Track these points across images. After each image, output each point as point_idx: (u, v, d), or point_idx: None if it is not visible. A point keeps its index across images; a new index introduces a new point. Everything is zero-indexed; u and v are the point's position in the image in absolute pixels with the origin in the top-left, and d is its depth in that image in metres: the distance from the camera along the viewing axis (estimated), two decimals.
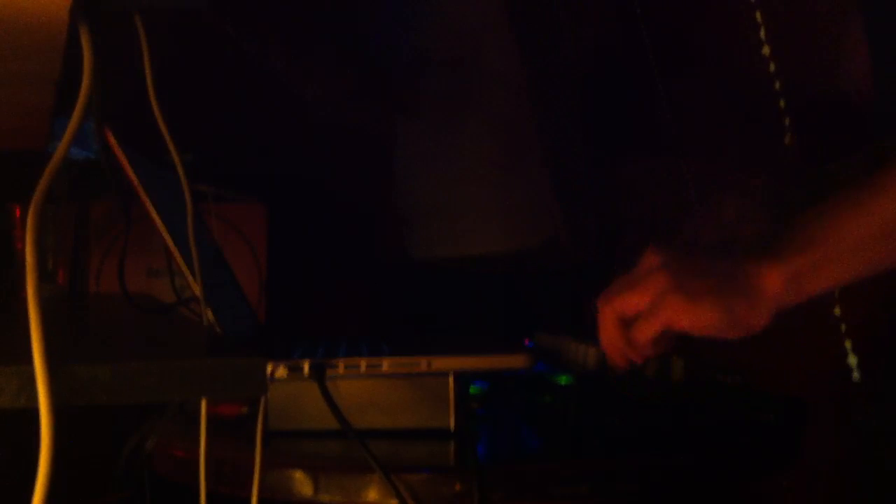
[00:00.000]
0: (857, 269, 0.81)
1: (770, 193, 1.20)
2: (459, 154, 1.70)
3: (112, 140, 0.79)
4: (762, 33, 1.29)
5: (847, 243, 0.80)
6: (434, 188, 1.72)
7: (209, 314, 0.73)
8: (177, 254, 0.80)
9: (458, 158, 1.70)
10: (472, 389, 0.99)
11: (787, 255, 0.81)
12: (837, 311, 1.22)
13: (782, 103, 1.27)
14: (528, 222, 1.75)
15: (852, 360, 1.20)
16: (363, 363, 0.82)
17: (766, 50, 1.29)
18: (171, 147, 0.68)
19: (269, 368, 0.80)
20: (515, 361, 0.86)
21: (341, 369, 0.82)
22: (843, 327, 1.21)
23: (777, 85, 1.28)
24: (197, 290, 0.74)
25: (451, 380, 0.84)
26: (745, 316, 0.80)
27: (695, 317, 0.80)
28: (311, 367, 0.80)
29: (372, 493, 0.74)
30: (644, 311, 0.82)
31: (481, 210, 1.71)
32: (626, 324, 0.84)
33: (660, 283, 0.82)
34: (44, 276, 1.18)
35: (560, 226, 1.74)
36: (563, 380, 1.02)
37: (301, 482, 0.76)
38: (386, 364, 0.82)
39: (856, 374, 1.16)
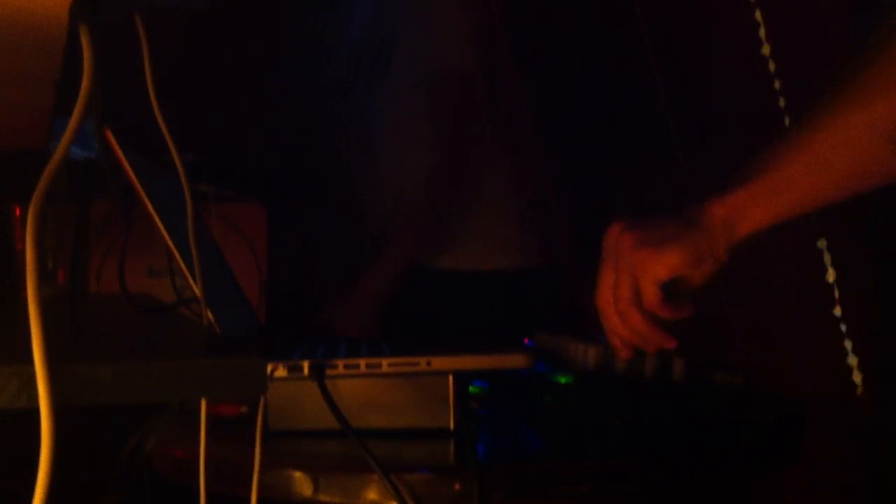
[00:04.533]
0: (795, 200, 0.86)
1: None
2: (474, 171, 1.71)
3: (112, 140, 0.79)
4: (762, 33, 1.29)
5: (784, 176, 0.84)
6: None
7: (209, 314, 0.73)
8: (177, 254, 0.80)
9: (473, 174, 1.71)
10: (472, 389, 0.99)
11: (730, 189, 0.86)
12: (837, 311, 1.22)
13: (782, 103, 1.28)
14: (541, 238, 1.76)
15: (852, 360, 1.20)
16: (363, 363, 0.82)
17: (766, 50, 1.29)
18: (172, 147, 0.68)
19: (269, 368, 0.80)
20: (515, 361, 0.86)
21: (341, 369, 0.82)
22: (844, 327, 1.21)
23: (777, 85, 1.28)
24: (197, 290, 0.74)
25: (450, 379, 0.84)
26: (707, 247, 0.85)
27: (664, 260, 0.85)
28: (310, 367, 0.80)
29: (371, 493, 0.74)
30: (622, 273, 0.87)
31: (496, 226, 1.73)
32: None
33: (627, 243, 0.87)
34: (44, 276, 1.18)
35: (568, 238, 1.75)
36: (563, 380, 1.02)
37: (301, 482, 0.76)
38: (385, 364, 0.82)
39: (856, 375, 1.17)
